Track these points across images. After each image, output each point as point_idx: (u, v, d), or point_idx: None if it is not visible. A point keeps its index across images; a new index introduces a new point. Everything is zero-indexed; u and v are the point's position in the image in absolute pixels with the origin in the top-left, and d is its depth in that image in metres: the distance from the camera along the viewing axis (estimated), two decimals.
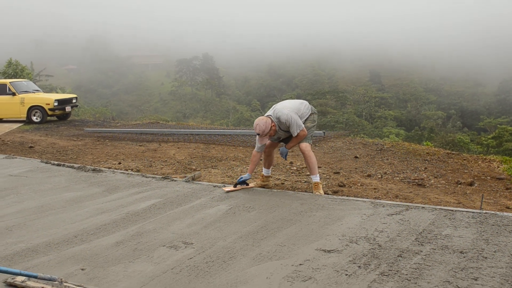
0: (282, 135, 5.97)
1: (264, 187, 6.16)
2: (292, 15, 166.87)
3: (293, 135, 5.78)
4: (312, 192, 5.78)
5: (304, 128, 5.75)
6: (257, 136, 5.80)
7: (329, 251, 3.73)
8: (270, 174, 6.28)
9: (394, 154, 8.59)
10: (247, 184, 6.07)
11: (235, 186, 5.97)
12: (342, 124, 50.88)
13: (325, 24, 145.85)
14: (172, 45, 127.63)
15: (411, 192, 6.14)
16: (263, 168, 6.25)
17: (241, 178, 6.02)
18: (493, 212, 4.84)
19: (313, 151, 5.95)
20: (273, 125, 5.71)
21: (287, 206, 5.13)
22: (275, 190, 6.01)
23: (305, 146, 5.82)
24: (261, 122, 5.64)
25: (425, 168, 7.54)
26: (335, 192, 6.00)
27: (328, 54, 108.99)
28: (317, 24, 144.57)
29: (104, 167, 7.87)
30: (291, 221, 4.59)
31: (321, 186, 5.86)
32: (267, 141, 5.85)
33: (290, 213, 4.85)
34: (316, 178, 5.84)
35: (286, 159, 6.46)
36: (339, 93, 69.26)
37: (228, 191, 5.86)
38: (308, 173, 6.18)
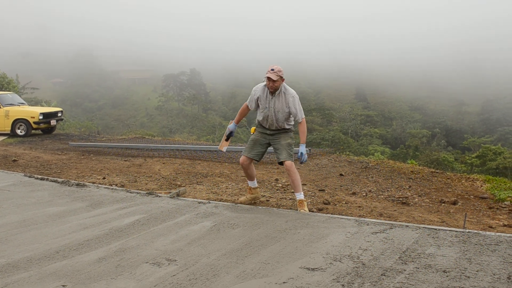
0: (272, 115, 5.90)
1: (254, 200, 6.18)
2: (278, 32, 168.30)
3: (296, 119, 5.91)
4: (297, 210, 5.78)
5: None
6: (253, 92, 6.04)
7: (313, 269, 3.72)
8: (257, 185, 6.28)
9: (379, 172, 8.64)
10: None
11: (226, 140, 6.33)
12: (328, 141, 51.14)
13: (311, 42, 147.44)
14: (159, 60, 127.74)
15: (395, 210, 6.17)
16: (248, 181, 6.24)
17: (229, 130, 6.27)
18: (476, 231, 4.87)
19: (298, 168, 5.97)
20: (283, 80, 5.83)
21: (271, 223, 5.12)
22: (260, 207, 6.00)
23: (290, 164, 5.85)
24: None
25: (410, 187, 7.59)
26: (320, 210, 6.01)
27: (314, 72, 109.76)
28: (302, 42, 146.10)
29: (88, 182, 7.81)
30: (275, 238, 4.58)
31: (305, 203, 5.87)
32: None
33: (274, 231, 4.84)
34: (300, 196, 5.85)
35: (305, 161, 6.01)
36: (325, 111, 69.84)
37: (225, 150, 6.47)
38: (293, 190, 6.20)
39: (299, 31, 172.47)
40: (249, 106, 6.11)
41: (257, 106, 6.04)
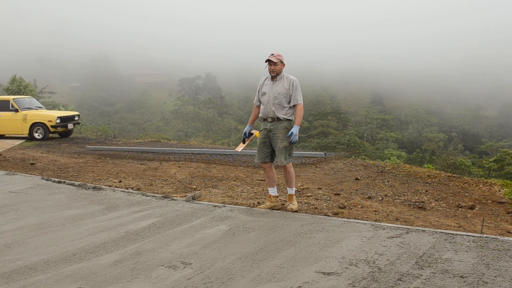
0: (271, 100, 6.00)
1: (273, 208, 6.14)
2: (292, 36, 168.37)
3: (295, 102, 5.99)
4: (311, 214, 5.77)
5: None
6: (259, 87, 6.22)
7: (328, 274, 3.70)
8: (277, 194, 6.27)
9: (395, 177, 8.58)
10: (252, 134, 6.38)
11: (243, 143, 6.37)
12: (343, 145, 50.90)
13: (325, 46, 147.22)
14: (175, 64, 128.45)
15: (411, 215, 6.11)
16: (268, 188, 6.25)
17: (244, 132, 6.37)
18: (493, 236, 4.82)
19: (313, 173, 5.98)
20: (284, 65, 6.04)
21: (286, 227, 5.11)
22: (275, 211, 5.99)
23: (287, 165, 6.07)
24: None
25: (426, 191, 7.52)
26: (335, 214, 5.98)
27: (329, 76, 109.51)
28: (317, 46, 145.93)
29: (105, 185, 7.87)
30: (290, 242, 4.57)
31: (294, 197, 6.17)
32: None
33: (289, 235, 4.83)
34: (292, 191, 6.16)
35: (295, 142, 6.03)
36: (340, 114, 69.58)
37: (240, 150, 6.46)
38: (310, 194, 6.19)
39: (314, 35, 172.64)
40: (256, 104, 6.33)
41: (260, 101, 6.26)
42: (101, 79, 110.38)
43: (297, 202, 6.63)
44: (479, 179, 8.75)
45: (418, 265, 3.89)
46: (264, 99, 6.08)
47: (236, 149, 6.60)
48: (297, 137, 5.94)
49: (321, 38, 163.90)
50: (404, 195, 7.27)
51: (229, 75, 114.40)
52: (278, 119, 6.01)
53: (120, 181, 8.44)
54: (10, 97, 17.41)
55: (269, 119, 6.06)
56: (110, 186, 7.90)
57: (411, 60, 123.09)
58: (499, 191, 7.69)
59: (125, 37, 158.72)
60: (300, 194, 7.32)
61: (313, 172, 8.95)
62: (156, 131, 61.68)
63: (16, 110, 16.68)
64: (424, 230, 4.99)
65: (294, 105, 6.04)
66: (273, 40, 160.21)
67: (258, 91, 6.23)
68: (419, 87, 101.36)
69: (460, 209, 6.55)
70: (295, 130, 5.91)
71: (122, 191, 7.26)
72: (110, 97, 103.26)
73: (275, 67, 5.95)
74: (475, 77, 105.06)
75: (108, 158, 11.51)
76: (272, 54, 5.95)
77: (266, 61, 5.96)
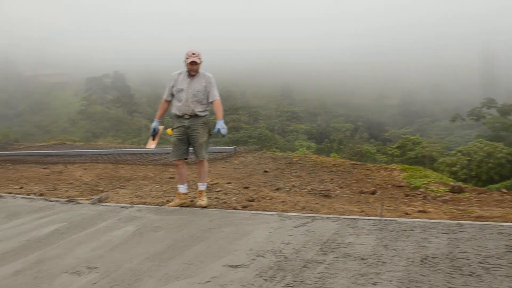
0: (189, 97, 5.98)
1: (182, 206, 6.09)
2: (204, 30, 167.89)
3: (213, 98, 6.01)
4: (221, 209, 5.82)
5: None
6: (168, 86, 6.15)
7: (236, 267, 3.75)
8: (187, 191, 6.25)
9: (302, 167, 8.83)
10: (159, 130, 6.41)
11: (153, 139, 6.38)
12: (255, 139, 51.51)
13: (237, 40, 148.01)
14: (80, 62, 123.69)
15: (317, 203, 6.33)
16: (178, 185, 6.20)
17: (153, 128, 6.36)
18: (392, 218, 5.10)
19: (223, 167, 6.04)
20: (201, 63, 6.02)
21: (195, 224, 5.11)
22: (184, 208, 5.97)
23: (205, 160, 6.11)
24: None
25: (332, 179, 7.81)
26: (244, 207, 6.06)
27: (238, 71, 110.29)
28: (229, 40, 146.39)
29: (4, 193, 7.46)
30: (199, 238, 4.58)
31: (204, 193, 6.17)
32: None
33: (198, 231, 4.84)
34: (203, 186, 6.17)
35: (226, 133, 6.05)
36: (251, 109, 70.31)
37: (153, 147, 6.53)
38: (220, 189, 6.22)
39: (224, 30, 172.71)
40: (166, 99, 6.23)
41: (173, 96, 6.17)
42: (1, 80, 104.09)
43: (207, 197, 6.65)
44: (380, 165, 9.22)
45: (322, 251, 4.03)
46: (181, 96, 5.99)
47: (147, 147, 6.54)
48: (225, 130, 5.96)
49: (231, 32, 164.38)
50: (310, 184, 7.51)
51: (138, 72, 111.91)
52: (196, 115, 6.00)
53: (21, 187, 8.04)
54: None
55: (187, 116, 6.00)
56: (10, 193, 7.50)
57: (318, 54, 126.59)
58: (399, 175, 8.14)
59: (27, 33, 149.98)
60: (209, 189, 7.34)
61: (223, 167, 9.00)
62: (62, 133, 59.14)
63: None
64: (328, 217, 5.17)
65: (211, 101, 6.06)
66: (179, 34, 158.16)
67: (172, 87, 6.11)
68: (326, 79, 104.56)
69: (362, 194, 6.88)
70: (219, 125, 5.91)
71: (24, 197, 6.92)
72: (11, 99, 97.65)
73: (197, 66, 5.97)
74: (378, 67, 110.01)
75: (8, 164, 10.92)
76: (194, 54, 5.92)
77: (190, 63, 5.91)
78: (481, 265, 3.56)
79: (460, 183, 7.94)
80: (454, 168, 33.49)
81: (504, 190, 7.49)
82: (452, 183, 7.75)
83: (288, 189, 7.23)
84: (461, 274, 3.40)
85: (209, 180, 7.92)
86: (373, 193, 6.93)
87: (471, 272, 3.43)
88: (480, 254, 3.79)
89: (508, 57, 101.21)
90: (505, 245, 4.00)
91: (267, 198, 6.62)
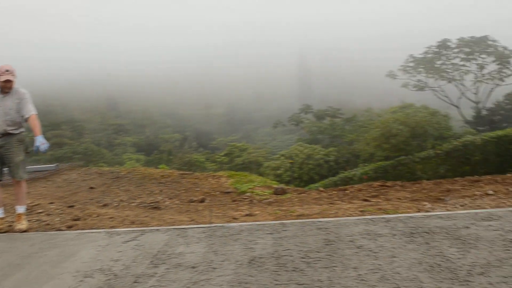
0: (1, 116, 5.58)
1: None
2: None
3: (28, 113, 5.62)
4: (43, 231, 5.46)
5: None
6: None
7: None
8: (3, 215, 5.78)
9: (130, 180, 8.65)
10: None
11: None
12: (80, 154, 49.10)
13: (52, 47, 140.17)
14: None
15: (147, 216, 6.24)
16: None
17: None
18: (221, 224, 5.23)
19: (44, 187, 5.68)
20: (15, 81, 5.63)
21: (15, 250, 4.72)
22: (1, 234, 5.47)
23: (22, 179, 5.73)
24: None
25: (161, 191, 7.78)
26: (69, 227, 5.75)
27: (61, 83, 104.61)
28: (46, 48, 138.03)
29: None
30: (19, 266, 4.23)
31: (23, 216, 5.76)
32: None
33: (18, 257, 4.47)
34: (22, 209, 5.76)
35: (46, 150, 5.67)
36: (75, 123, 67.10)
37: None
38: (41, 210, 5.82)
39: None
40: None
41: None
42: None
43: (27, 221, 6.17)
44: (208, 173, 9.41)
45: (153, 264, 3.99)
46: None
47: None
48: (45, 146, 5.55)
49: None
50: (139, 197, 7.39)
51: None
52: (9, 133, 5.59)
53: None
54: None
55: (1, 131, 5.55)
56: None
57: (142, 67, 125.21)
58: (226, 182, 8.39)
59: None
60: (30, 212, 6.82)
61: (45, 186, 8.43)
62: None
63: None
64: (158, 229, 5.14)
65: (27, 118, 5.65)
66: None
67: None
68: (151, 91, 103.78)
69: (192, 203, 6.95)
70: (39, 140, 5.51)
71: None
72: None
73: (11, 84, 5.58)
74: (202, 78, 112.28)
75: None
76: (8, 71, 5.52)
77: (4, 81, 5.49)
78: (303, 260, 3.83)
79: (282, 185, 8.46)
80: (279, 171, 35.31)
81: (321, 189, 8.14)
82: (275, 186, 8.21)
83: (116, 204, 7.03)
84: (286, 271, 3.61)
85: (28, 202, 7.36)
86: (202, 201, 7.04)
87: (294, 267, 3.67)
88: (302, 250, 4.07)
89: (321, 66, 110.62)
90: (323, 239, 4.36)
91: (94, 216, 6.35)
